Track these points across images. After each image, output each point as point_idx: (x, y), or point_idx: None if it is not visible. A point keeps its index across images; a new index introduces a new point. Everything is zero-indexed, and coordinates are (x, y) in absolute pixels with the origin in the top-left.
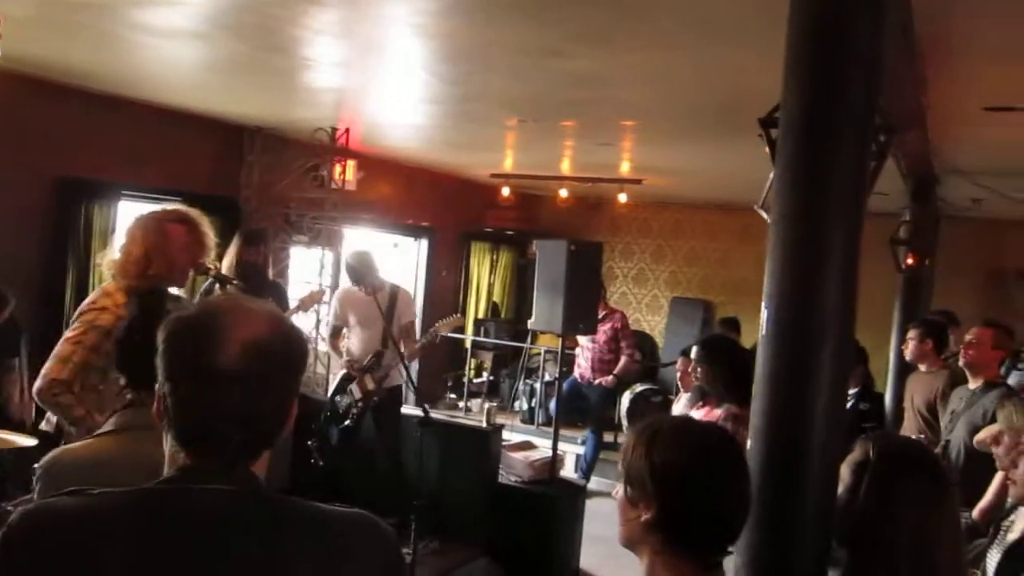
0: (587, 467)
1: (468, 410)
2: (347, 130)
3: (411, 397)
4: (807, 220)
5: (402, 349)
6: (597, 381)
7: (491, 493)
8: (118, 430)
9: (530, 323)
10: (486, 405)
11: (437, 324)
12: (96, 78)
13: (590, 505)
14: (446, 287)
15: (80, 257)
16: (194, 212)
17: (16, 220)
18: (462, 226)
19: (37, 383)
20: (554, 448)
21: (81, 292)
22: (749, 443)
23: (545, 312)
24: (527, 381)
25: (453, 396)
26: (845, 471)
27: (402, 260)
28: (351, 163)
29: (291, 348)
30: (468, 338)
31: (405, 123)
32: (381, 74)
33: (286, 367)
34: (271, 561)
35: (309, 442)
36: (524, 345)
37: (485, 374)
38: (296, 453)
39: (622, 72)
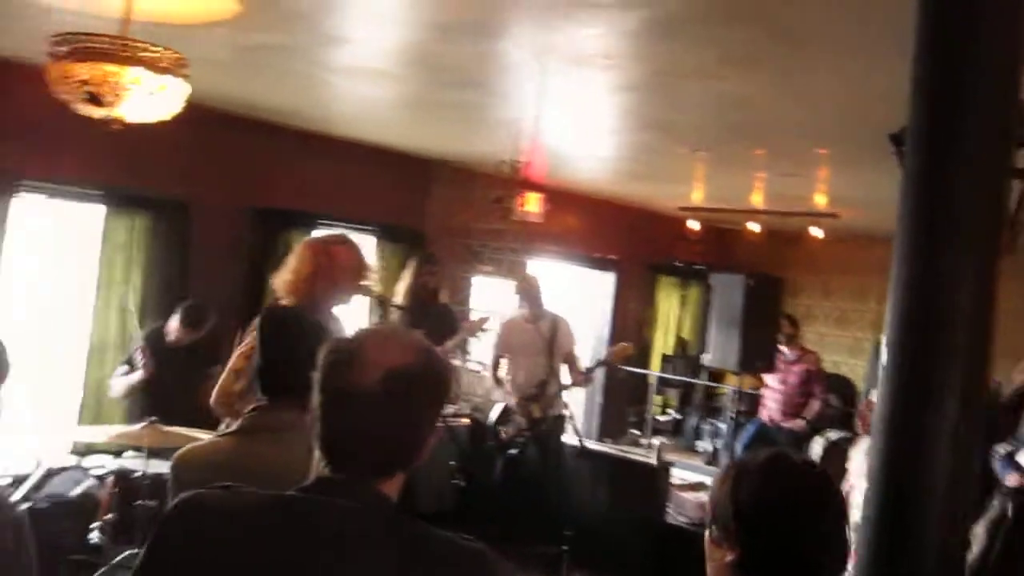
0: None
1: (650, 447)
2: (530, 162)
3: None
4: (930, 247)
5: (565, 378)
6: (787, 425)
7: (656, 532)
8: (239, 431)
9: (705, 359)
10: (656, 441)
11: (605, 352)
12: (292, 115)
13: None
14: (632, 321)
15: None
16: (354, 240)
17: (221, 246)
18: (650, 259)
19: (212, 395)
20: None
21: None
22: (864, 491)
23: (720, 348)
24: (711, 420)
25: (636, 432)
26: (980, 530)
27: (588, 293)
28: (536, 195)
29: (433, 379)
30: (652, 374)
31: (589, 155)
32: (564, 106)
33: (425, 396)
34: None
35: (452, 462)
36: (709, 383)
37: (671, 412)
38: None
39: (783, 96)
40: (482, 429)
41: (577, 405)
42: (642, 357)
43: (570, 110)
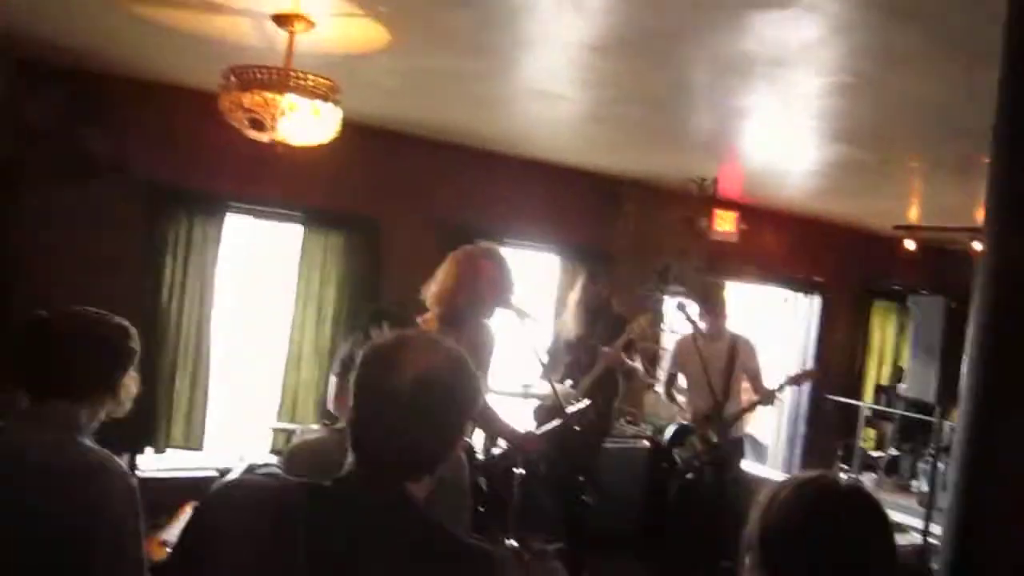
0: None
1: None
2: (724, 180)
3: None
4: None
5: (744, 401)
6: None
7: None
8: (343, 428)
9: (901, 388)
10: (848, 475)
11: (790, 375)
12: (474, 136)
13: None
14: (841, 348)
15: None
16: (502, 252)
17: (410, 261)
18: (862, 282)
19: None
20: (925, 534)
21: None
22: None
23: (919, 378)
24: (930, 459)
25: (844, 467)
26: None
27: (790, 317)
28: (731, 214)
29: (461, 388)
30: (863, 405)
31: (789, 170)
32: (759, 116)
33: (453, 402)
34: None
35: (580, 477)
36: (922, 416)
37: (891, 447)
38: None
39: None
40: (661, 450)
41: (777, 433)
42: (853, 387)
43: (766, 121)
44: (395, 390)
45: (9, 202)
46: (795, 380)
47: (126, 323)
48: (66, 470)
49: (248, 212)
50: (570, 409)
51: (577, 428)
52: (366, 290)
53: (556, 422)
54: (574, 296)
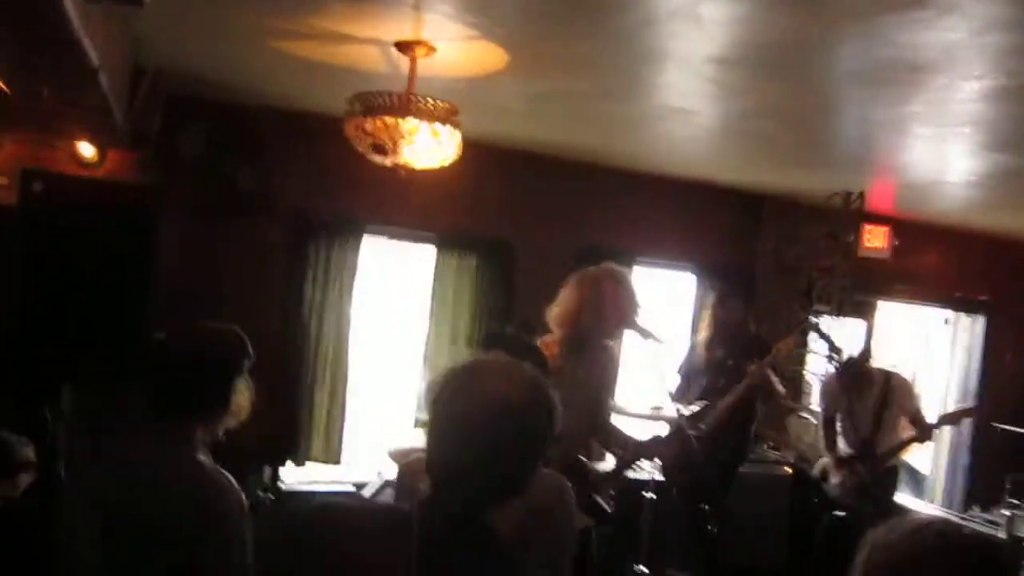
0: None
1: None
2: (872, 194)
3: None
4: None
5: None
6: None
7: None
8: None
9: None
10: (1009, 513)
11: (945, 413)
12: (606, 155)
13: None
14: (1012, 373)
15: None
16: (625, 272)
17: (542, 283)
18: None
19: None
20: None
21: None
22: None
23: None
24: None
25: (1015, 501)
26: None
27: (952, 340)
28: (881, 229)
29: (532, 416)
30: None
31: (943, 183)
32: (908, 133)
33: (522, 432)
34: None
35: (704, 505)
36: None
37: None
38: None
39: None
40: (806, 481)
41: (936, 462)
42: None
43: (913, 131)
44: (465, 416)
45: (158, 233)
46: (952, 418)
47: (238, 334)
48: (180, 487)
49: (383, 233)
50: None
51: (696, 432)
52: (499, 312)
53: (672, 428)
54: (707, 316)
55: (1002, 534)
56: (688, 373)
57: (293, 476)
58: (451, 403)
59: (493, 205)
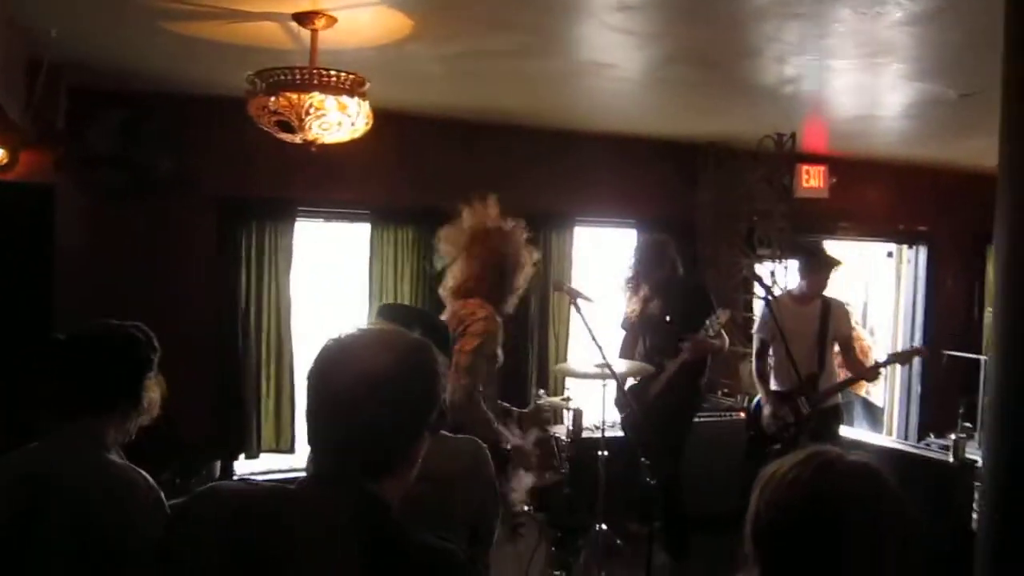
0: None
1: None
2: (806, 134)
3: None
4: None
5: (839, 368)
6: None
7: (957, 539)
8: None
9: None
10: (954, 437)
11: (895, 352)
12: (534, 116)
13: None
14: (955, 299)
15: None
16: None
17: None
18: (972, 227)
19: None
20: None
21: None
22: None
23: None
24: None
25: (968, 425)
26: None
27: (896, 273)
28: (818, 168)
29: (413, 385)
30: (984, 358)
31: (875, 117)
32: (829, 68)
33: (402, 401)
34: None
35: (643, 460)
36: None
37: None
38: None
39: None
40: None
41: (892, 394)
42: (971, 339)
43: (833, 65)
44: (342, 387)
45: (76, 227)
46: (901, 358)
47: (142, 330)
48: (89, 489)
49: (317, 215)
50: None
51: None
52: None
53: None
54: (647, 271)
55: (950, 457)
56: (629, 328)
57: (247, 468)
58: (325, 376)
59: (427, 175)
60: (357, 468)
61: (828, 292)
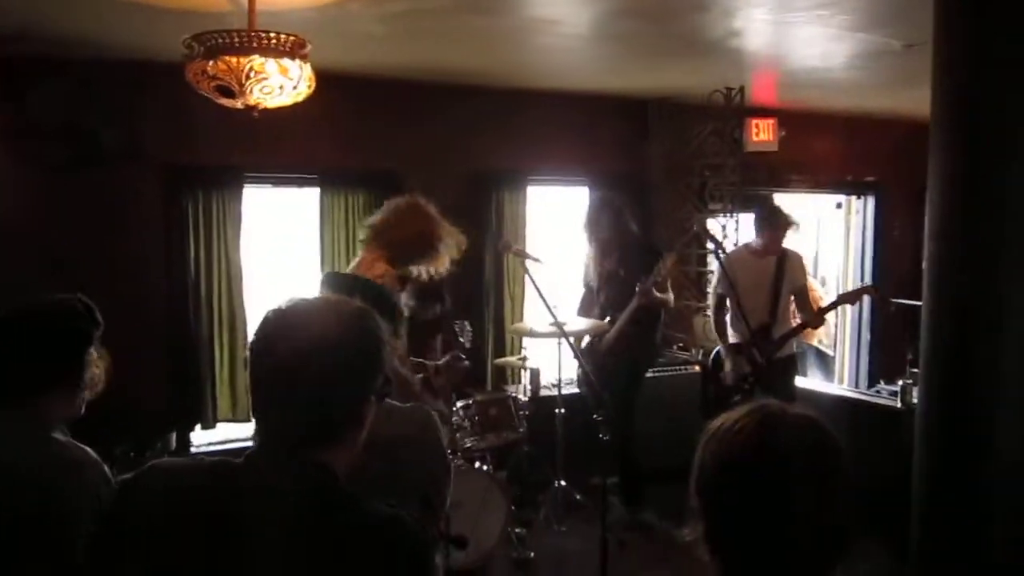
0: None
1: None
2: (754, 87)
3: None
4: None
5: (795, 318)
6: None
7: (902, 484)
8: None
9: None
10: (901, 382)
11: (842, 294)
12: (485, 76)
13: None
14: (903, 248)
15: (495, 240)
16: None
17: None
18: (921, 177)
19: None
20: None
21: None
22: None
23: None
24: None
25: (916, 370)
26: None
27: (842, 222)
28: (767, 122)
29: (355, 352)
30: (923, 303)
31: (820, 68)
32: (772, 20)
33: (346, 369)
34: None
35: (596, 416)
36: None
37: None
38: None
39: None
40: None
41: (843, 344)
42: (919, 286)
43: (777, 17)
44: (282, 357)
45: (15, 200)
46: (849, 298)
47: (83, 302)
48: (39, 469)
49: (266, 181)
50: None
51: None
52: None
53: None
54: (600, 229)
55: (898, 402)
56: (588, 284)
57: (204, 438)
58: (267, 346)
59: (376, 138)
60: (303, 438)
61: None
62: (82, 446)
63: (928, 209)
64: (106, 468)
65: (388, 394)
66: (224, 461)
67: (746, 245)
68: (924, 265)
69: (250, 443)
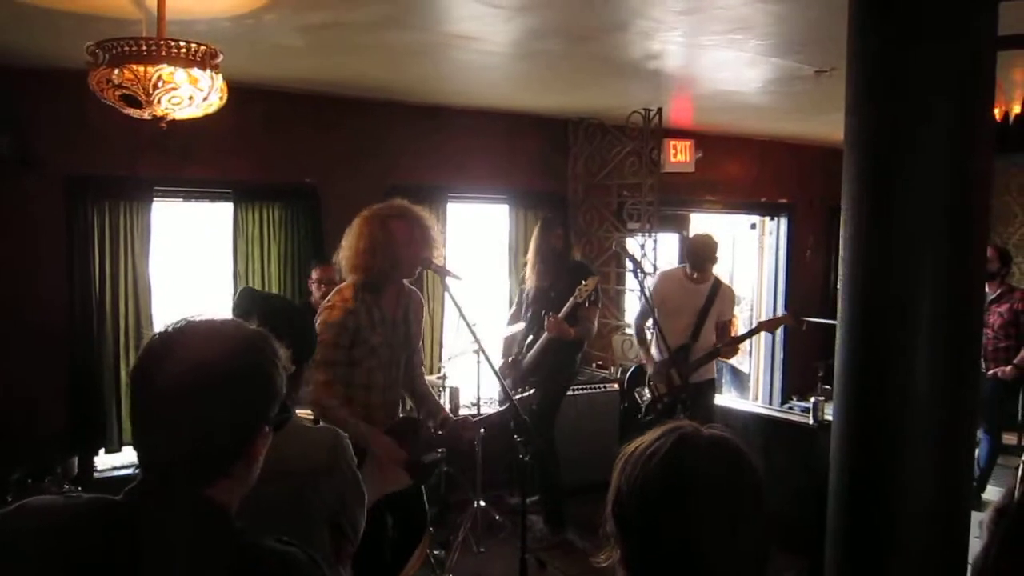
0: (980, 475)
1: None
2: (673, 109)
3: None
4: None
5: (714, 343)
6: (991, 372)
7: (816, 500)
8: None
9: None
10: (813, 399)
11: (761, 322)
12: (406, 92)
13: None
14: (813, 268)
15: None
16: (417, 208)
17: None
18: (830, 199)
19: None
20: None
21: None
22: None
23: None
24: None
25: (828, 387)
26: (988, 518)
27: (756, 242)
28: (685, 143)
29: (243, 378)
30: (838, 323)
31: (736, 92)
32: (688, 45)
33: (232, 396)
34: None
35: (516, 436)
36: None
37: None
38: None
39: None
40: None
41: (757, 361)
42: (829, 305)
43: (692, 42)
44: (164, 385)
45: None
46: (767, 326)
47: None
48: None
49: (176, 194)
50: (516, 397)
51: (525, 418)
52: (309, 261)
53: (497, 409)
54: (532, 247)
55: (810, 419)
56: (520, 302)
57: (108, 462)
58: (148, 373)
59: (292, 151)
60: (188, 472)
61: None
62: None
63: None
64: None
65: (286, 422)
66: (101, 499)
67: (683, 268)
68: (839, 284)
69: None
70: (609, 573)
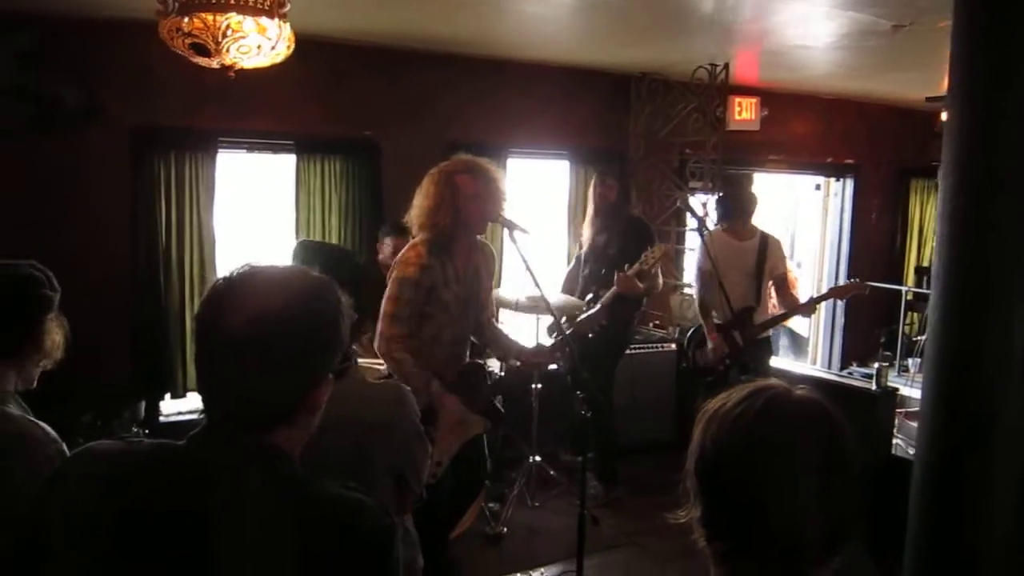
0: None
1: (905, 369)
2: (739, 65)
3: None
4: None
5: (774, 304)
6: None
7: (877, 467)
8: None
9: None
10: (876, 365)
11: (833, 288)
12: (471, 45)
13: None
14: (878, 232)
15: None
16: (484, 162)
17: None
18: (897, 161)
19: (376, 343)
20: None
21: None
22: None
23: None
24: None
25: (888, 354)
26: None
27: (823, 205)
28: (750, 100)
29: (304, 325)
30: (904, 288)
31: (807, 47)
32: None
33: (295, 343)
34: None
35: (577, 392)
36: None
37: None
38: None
39: None
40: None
41: (817, 325)
42: (893, 270)
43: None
44: (228, 333)
45: None
46: (838, 292)
47: (38, 269)
48: None
49: (240, 145)
50: (580, 317)
51: (590, 335)
52: (369, 214)
53: (563, 334)
54: (590, 199)
55: (873, 385)
56: (577, 259)
57: (174, 407)
58: (212, 319)
59: (354, 104)
60: (251, 419)
61: (763, 227)
62: (36, 421)
63: (940, 191)
64: (63, 446)
65: (347, 370)
66: (165, 444)
67: (722, 228)
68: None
69: None
70: (665, 531)
